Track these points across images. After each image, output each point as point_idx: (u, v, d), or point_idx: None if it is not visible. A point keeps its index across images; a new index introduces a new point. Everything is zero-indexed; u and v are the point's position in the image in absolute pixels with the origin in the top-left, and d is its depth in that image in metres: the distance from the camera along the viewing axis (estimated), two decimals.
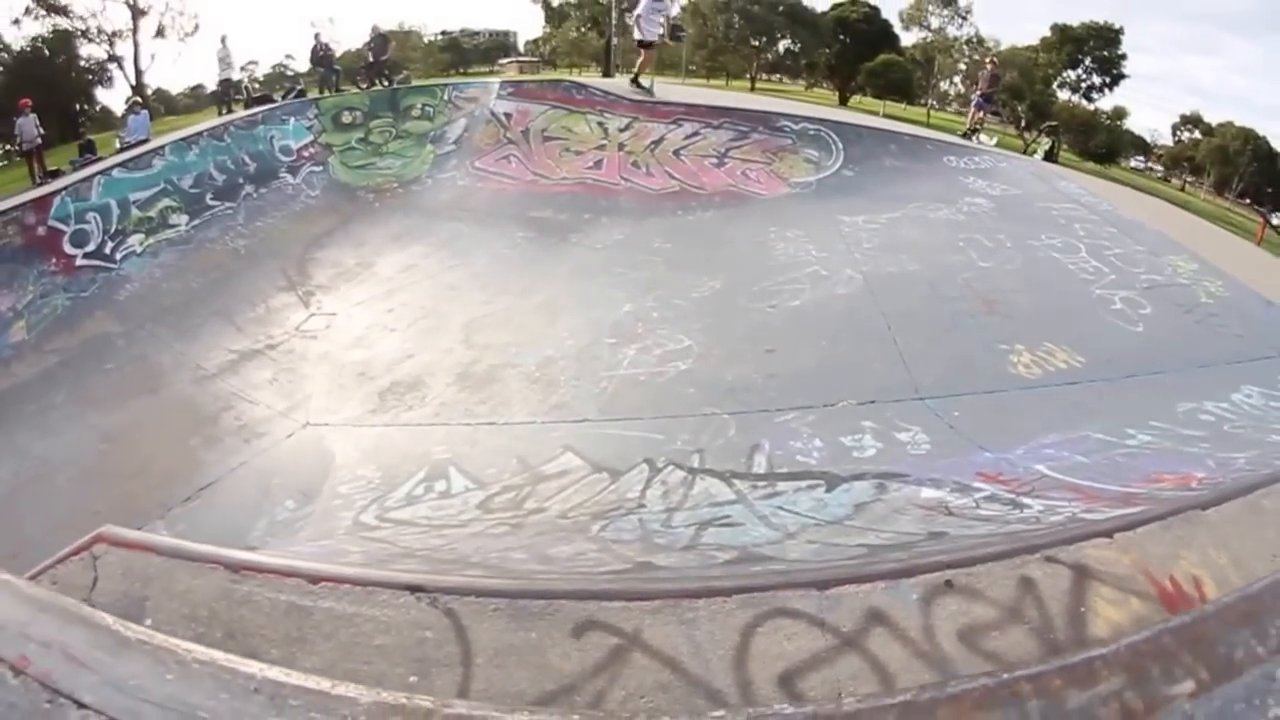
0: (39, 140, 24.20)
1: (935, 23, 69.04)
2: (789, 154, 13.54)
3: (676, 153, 14.02)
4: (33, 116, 24.59)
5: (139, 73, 59.38)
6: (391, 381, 8.99)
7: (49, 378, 11.39)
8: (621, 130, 14.92)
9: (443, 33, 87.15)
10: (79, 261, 14.05)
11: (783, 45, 76.67)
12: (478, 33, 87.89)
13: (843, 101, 72.26)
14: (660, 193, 13.33)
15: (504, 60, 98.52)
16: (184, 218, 15.86)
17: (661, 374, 7.43)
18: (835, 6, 75.37)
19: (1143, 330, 8.09)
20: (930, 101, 68.39)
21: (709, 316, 8.42)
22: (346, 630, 2.60)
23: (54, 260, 13.68)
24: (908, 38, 71.78)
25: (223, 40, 25.88)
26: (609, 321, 8.62)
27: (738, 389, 6.89)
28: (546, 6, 68.65)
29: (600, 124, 15.34)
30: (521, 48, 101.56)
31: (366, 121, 18.51)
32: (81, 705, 1.54)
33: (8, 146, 69.11)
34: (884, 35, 72.39)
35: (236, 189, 16.36)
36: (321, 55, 26.66)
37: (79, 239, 14.23)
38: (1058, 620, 2.38)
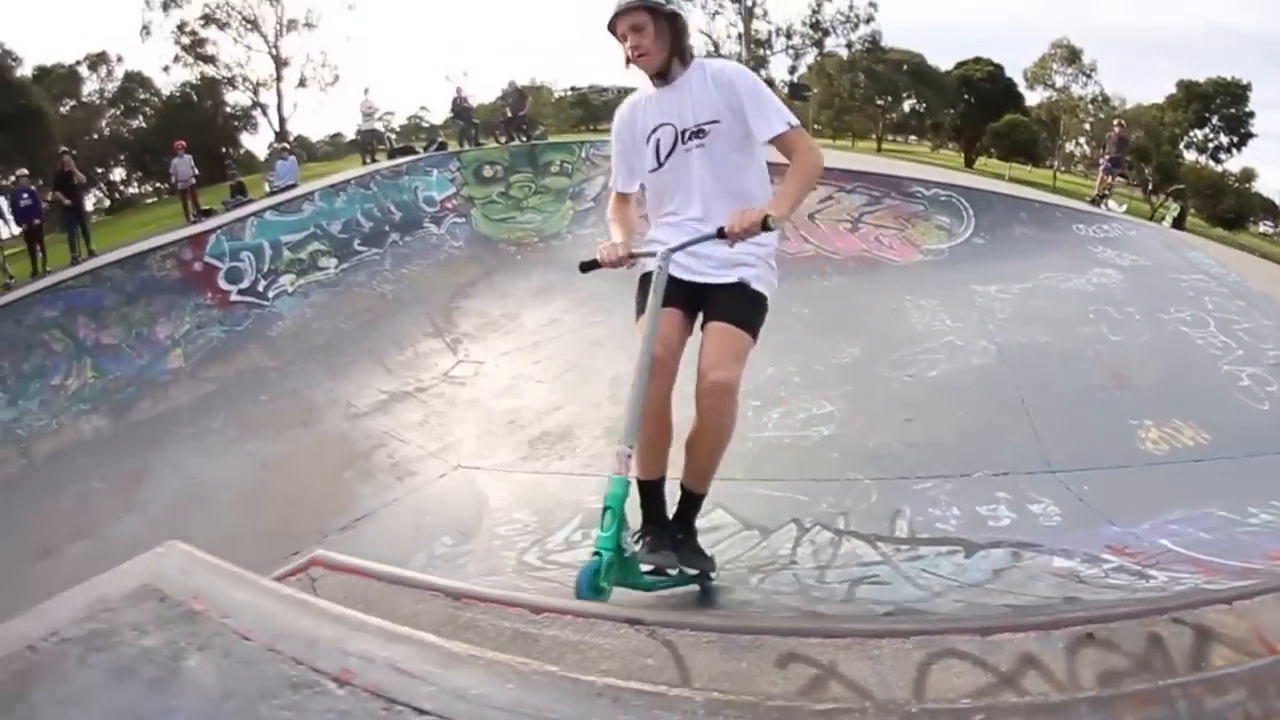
0: (193, 180, 25.37)
1: (1060, 81, 66.92)
2: (921, 220, 13.61)
3: (811, 216, 14.06)
4: (188, 158, 25.81)
5: (282, 120, 62.16)
6: (541, 431, 9.39)
7: (205, 404, 12.07)
8: None
9: (572, 88, 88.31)
10: (233, 297, 14.91)
11: (907, 105, 76.01)
12: (606, 89, 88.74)
13: (969, 164, 70.96)
14: (796, 256, 13.35)
15: None
16: (333, 261, 16.61)
17: (805, 438, 7.70)
18: (959, 65, 74.20)
19: (1269, 409, 8.17)
20: (1056, 164, 66.87)
21: (850, 383, 8.66)
22: (573, 655, 2.91)
23: (210, 294, 14.59)
24: (1032, 97, 70.53)
25: (365, 92, 26.97)
26: (753, 384, 8.79)
27: (879, 456, 7.13)
28: None
29: None
30: None
31: (507, 176, 19.13)
32: (422, 712, 1.64)
33: (158, 184, 72.50)
34: (1008, 94, 71.48)
35: (383, 236, 17.06)
36: (461, 108, 27.55)
37: (233, 276, 15.07)
38: (1182, 671, 2.72)
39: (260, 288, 15.22)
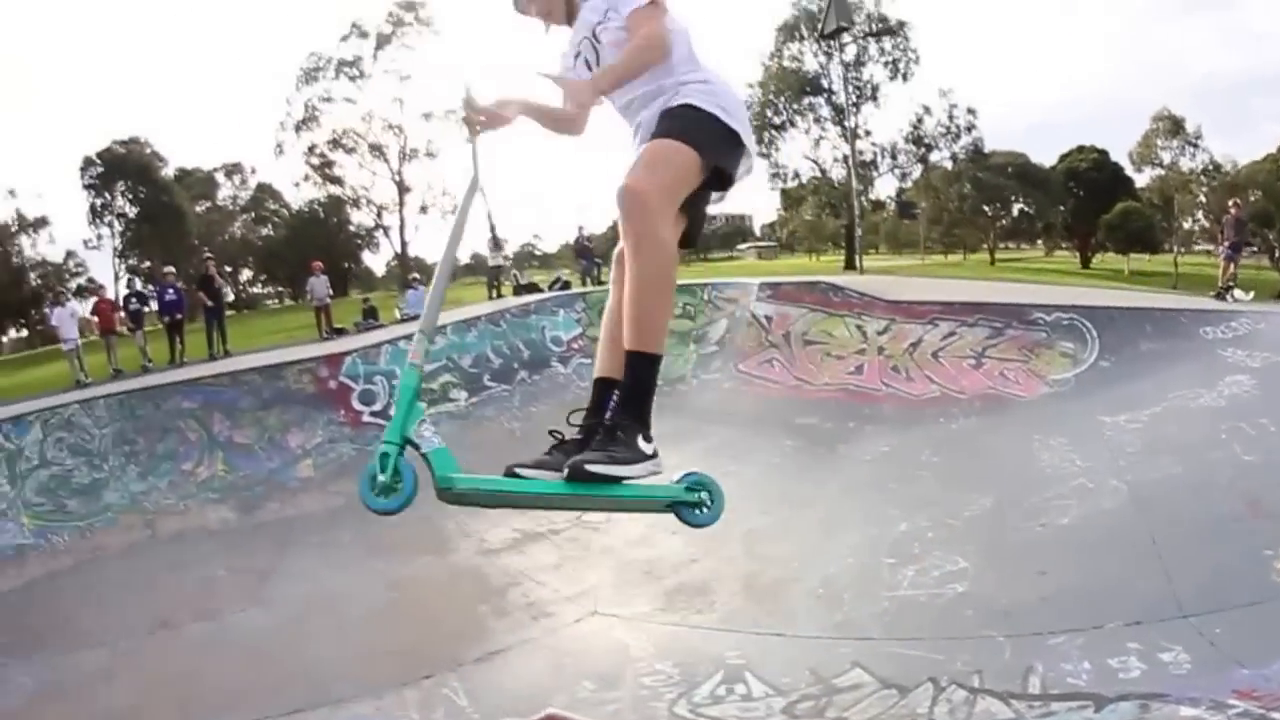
0: (328, 300, 26.44)
1: (1167, 157, 65.95)
2: (1044, 349, 13.35)
3: (935, 354, 14.03)
4: (324, 278, 27.32)
5: (404, 242, 66.00)
6: (678, 583, 9.55)
7: (334, 516, 12.43)
8: (880, 333, 15.00)
9: None
10: (365, 418, 15.79)
11: (1016, 209, 75.12)
12: (714, 217, 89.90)
13: (1085, 264, 70.14)
14: (921, 399, 13.42)
15: (742, 245, 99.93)
16: (463, 394, 17.21)
17: (940, 596, 7.75)
18: (1063, 157, 73.44)
19: None
20: (1176, 247, 65.21)
21: (982, 537, 8.69)
22: None
23: (342, 412, 15.47)
24: (1140, 178, 69.68)
25: (492, 229, 27.75)
26: (886, 540, 8.94)
27: (1012, 612, 7.17)
28: (783, 192, 69.21)
29: (859, 327, 15.48)
30: (758, 231, 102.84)
31: None
32: None
33: (281, 289, 75.61)
34: (1117, 180, 70.48)
35: (511, 373, 17.75)
36: (583, 247, 28.35)
37: (366, 398, 15.90)
38: None
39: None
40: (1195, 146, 64.20)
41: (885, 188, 71.71)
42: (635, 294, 3.87)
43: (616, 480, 3.88)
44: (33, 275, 73.17)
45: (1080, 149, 73.60)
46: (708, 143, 3.97)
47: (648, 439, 4.01)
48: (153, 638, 10.49)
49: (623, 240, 3.91)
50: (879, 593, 8.06)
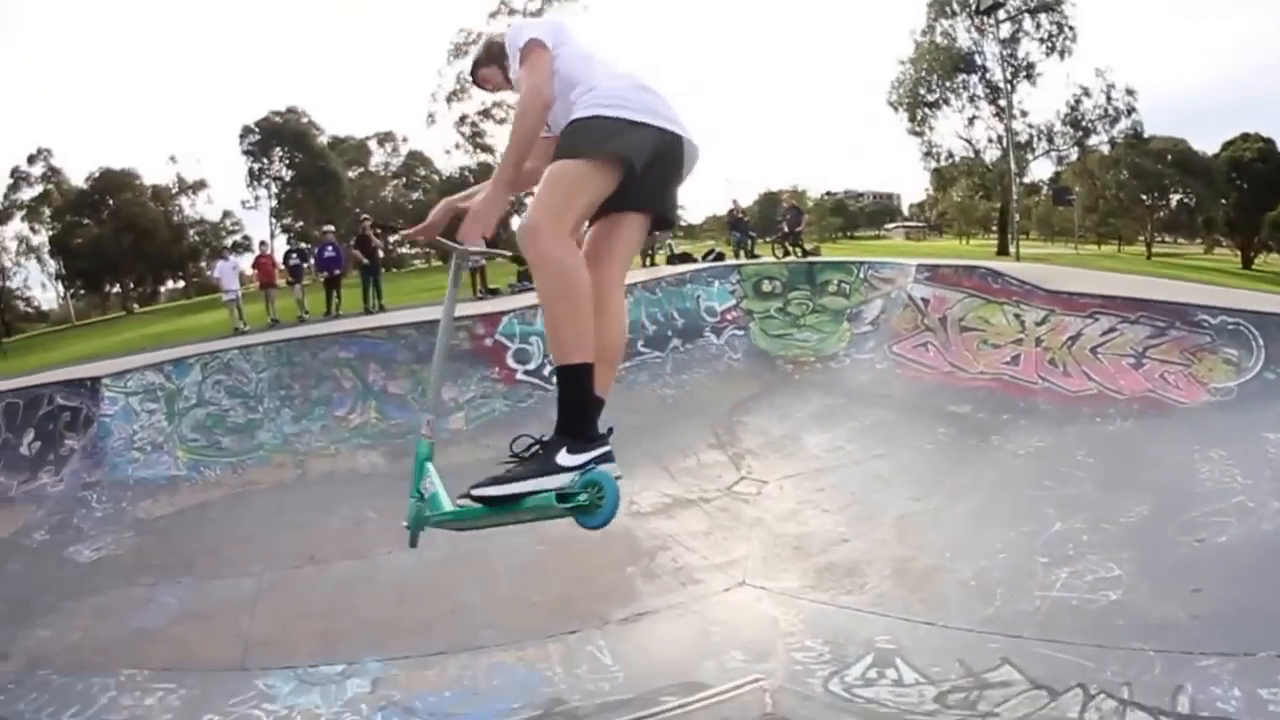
0: (482, 261, 27.13)
1: None
2: (1208, 354, 12.84)
3: (1094, 350, 13.73)
4: (480, 240, 27.40)
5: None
6: (828, 562, 9.64)
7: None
8: (1038, 324, 14.76)
9: (828, 193, 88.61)
10: (519, 375, 16.46)
11: (1175, 199, 72.55)
12: (862, 194, 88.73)
13: (1246, 264, 67.44)
14: (1078, 395, 13.18)
15: (890, 225, 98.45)
16: (622, 364, 17.51)
17: (1093, 602, 7.73)
18: (1226, 145, 70.33)
19: None
20: None
21: (1137, 546, 8.58)
22: None
23: (497, 369, 16.12)
24: None
25: None
26: (1041, 539, 8.94)
27: (1164, 627, 7.10)
28: (934, 171, 67.81)
29: (1017, 316, 15.26)
30: (906, 211, 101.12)
31: (785, 292, 19.45)
32: None
33: (428, 250, 77.35)
34: None
35: (665, 340, 18.04)
36: (737, 220, 28.46)
37: (521, 356, 16.46)
38: None
39: (545, 372, 16.38)
40: None
41: (1040, 171, 70.14)
42: (544, 312, 4.41)
43: (507, 499, 4.63)
44: (191, 233, 76.34)
45: (1245, 137, 70.22)
46: (589, 144, 4.35)
47: (575, 450, 4.49)
48: (298, 571, 11.05)
49: None
50: (1031, 591, 8.08)
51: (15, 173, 68.21)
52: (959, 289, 16.85)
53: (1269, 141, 69.75)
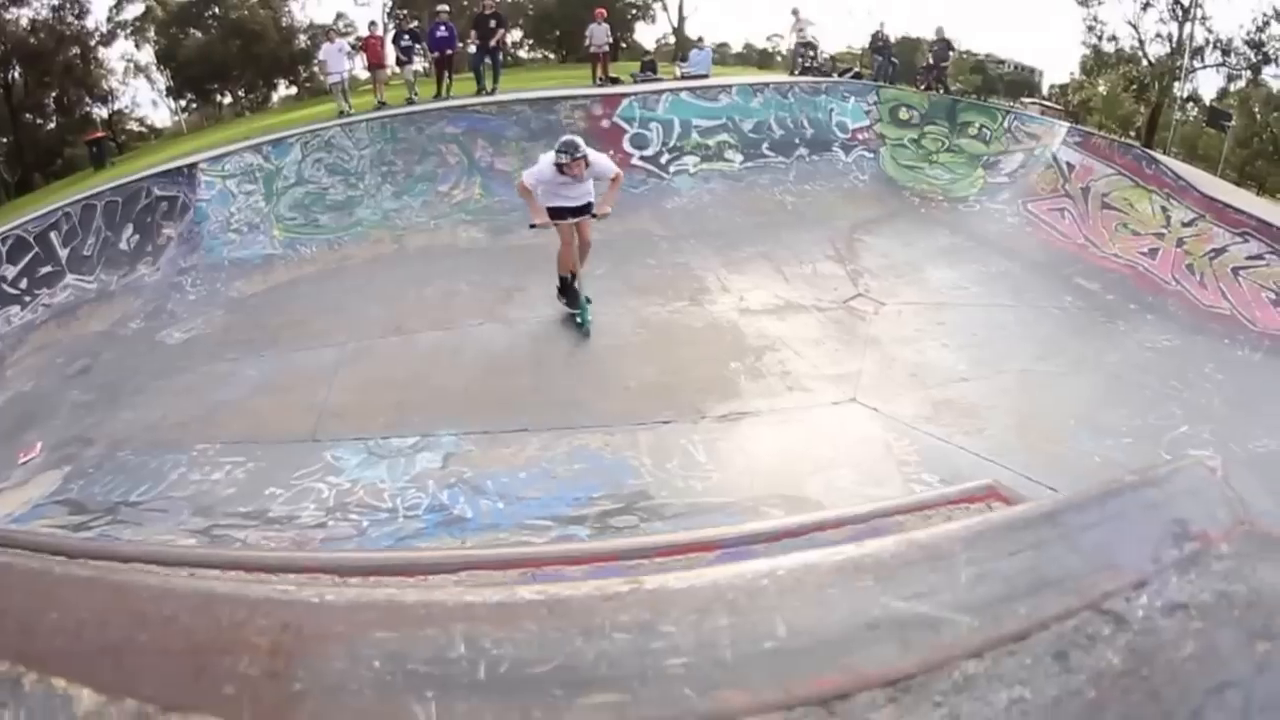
0: (606, 46, 26.51)
1: None
2: None
3: (1235, 271, 13.13)
4: (605, 25, 27.21)
5: (682, 18, 64.33)
6: (946, 397, 9.53)
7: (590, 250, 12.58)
8: (1185, 225, 14.21)
9: (968, 52, 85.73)
10: (635, 160, 16.22)
11: None
12: (1003, 61, 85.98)
13: None
14: (1210, 310, 12.69)
15: (1027, 99, 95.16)
16: (739, 156, 17.33)
17: None
18: None
19: None
20: None
21: (1265, 478, 8.11)
22: None
23: (613, 151, 15.26)
24: None
25: (795, 13, 27.32)
26: (1167, 436, 8.81)
27: None
28: (1094, 50, 64.28)
29: (1164, 209, 14.72)
30: (1045, 91, 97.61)
31: (922, 124, 19.09)
32: None
33: (548, 54, 76.93)
34: None
35: (791, 147, 17.83)
36: (881, 44, 27.66)
37: (638, 141, 16.20)
38: None
39: (663, 160, 16.39)
40: None
41: (1206, 87, 66.64)
42: (586, 258, 10.44)
43: None
44: (302, 36, 74.73)
45: None
46: None
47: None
48: (383, 341, 11.18)
49: (582, 245, 10.90)
50: None
51: None
52: (1110, 163, 16.22)
53: None
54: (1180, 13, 53.03)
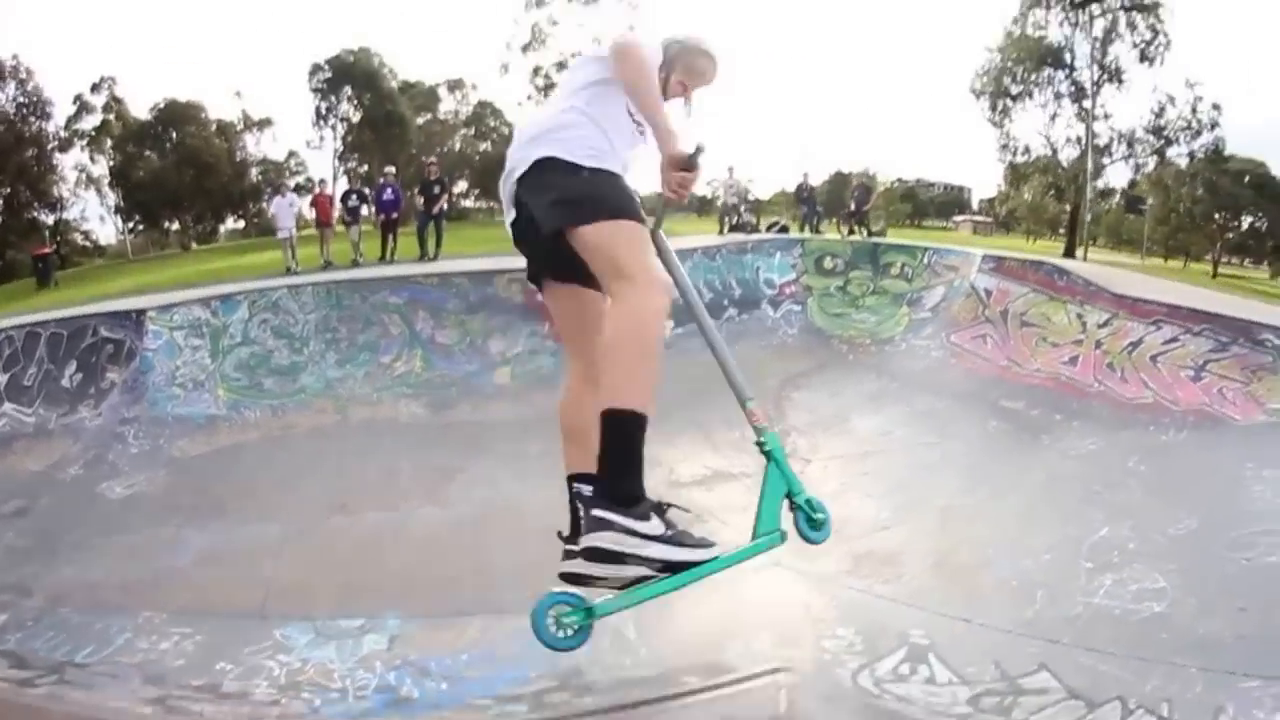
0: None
1: None
2: (1268, 374, 12.58)
3: (1154, 359, 13.54)
4: None
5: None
6: (867, 548, 9.47)
7: (525, 427, 12.49)
8: (1100, 326, 14.62)
9: (899, 180, 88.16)
10: None
11: (1247, 221, 72.43)
12: (933, 184, 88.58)
13: None
14: (1133, 402, 12.99)
15: (959, 217, 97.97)
16: (670, 323, 17.44)
17: (1136, 612, 7.56)
18: None
19: None
20: None
21: (1184, 558, 8.38)
22: None
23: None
24: None
25: (729, 171, 28.13)
26: (1086, 543, 8.75)
27: (1207, 644, 6.96)
28: (1010, 166, 67.52)
29: (1080, 316, 15.13)
30: (975, 205, 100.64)
31: (847, 270, 19.34)
32: None
33: (493, 204, 78.22)
34: None
35: (720, 309, 17.94)
36: (806, 195, 28.33)
37: None
38: None
39: None
40: None
41: (1115, 177, 69.45)
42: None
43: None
44: (254, 171, 76.93)
45: None
46: None
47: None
48: (328, 519, 11.10)
49: None
50: (1073, 597, 7.95)
51: (78, 100, 68.72)
52: (1024, 283, 16.70)
53: None
54: (1086, 116, 54.83)
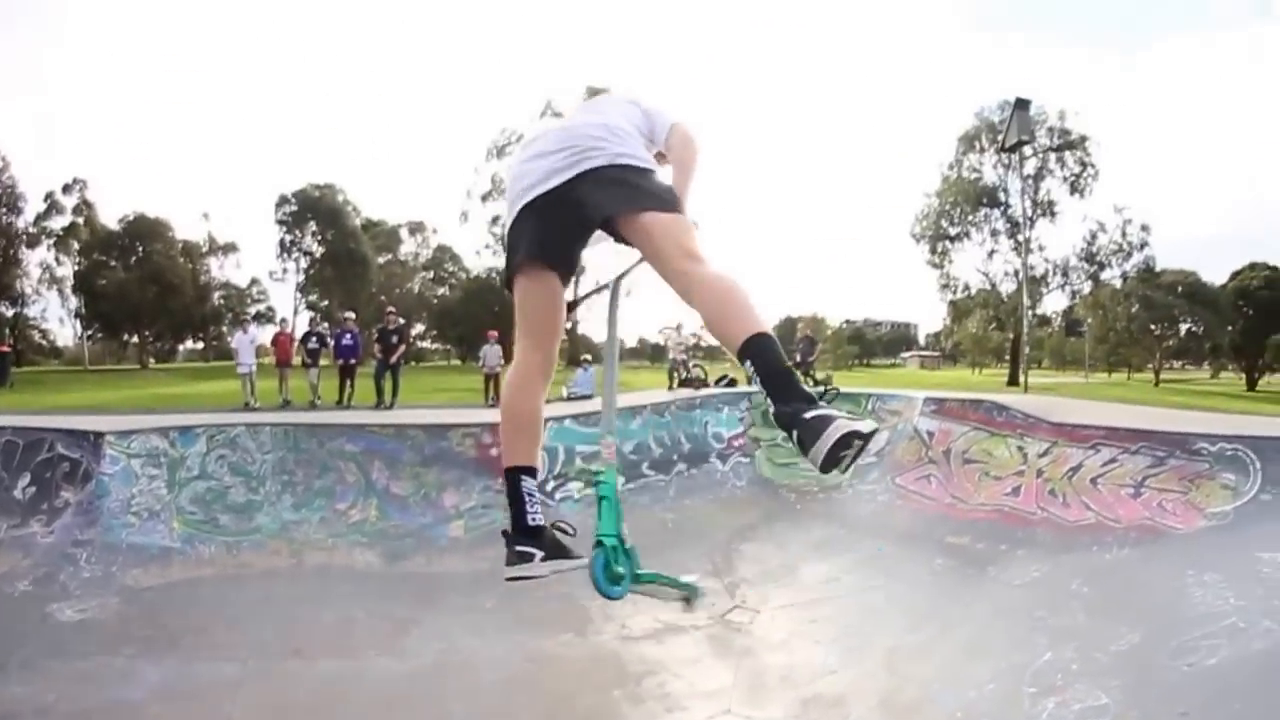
0: (498, 369, 28.54)
1: None
2: (1206, 480, 12.96)
3: (1094, 481, 13.85)
4: (497, 348, 29.31)
5: (574, 321, 68.22)
6: (814, 693, 9.53)
7: (478, 581, 12.73)
8: (1040, 456, 14.94)
9: (847, 321, 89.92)
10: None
11: (1184, 328, 75.29)
12: (880, 323, 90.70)
13: (1250, 385, 71.64)
14: (1076, 525, 13.25)
15: (906, 353, 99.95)
16: (620, 479, 17.52)
17: None
18: (1234, 275, 75.11)
19: None
20: None
21: (1127, 673, 8.42)
22: None
23: (500, 480, 15.45)
24: None
25: (678, 328, 28.70)
26: (1030, 670, 8.76)
27: None
28: (951, 303, 69.92)
29: (1020, 448, 15.48)
30: (922, 340, 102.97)
31: None
32: None
33: (448, 346, 78.51)
34: None
35: (670, 464, 18.26)
36: None
37: None
38: None
39: (549, 488, 16.60)
40: None
41: (1054, 303, 72.23)
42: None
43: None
44: (216, 295, 77.58)
45: (1251, 266, 75.43)
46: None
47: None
48: (283, 663, 10.90)
49: None
50: None
51: (49, 198, 69.13)
52: (964, 422, 17.12)
53: (1275, 269, 74.95)
54: (1022, 250, 56.60)
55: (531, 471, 5.00)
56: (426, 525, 15.46)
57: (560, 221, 4.68)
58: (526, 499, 4.97)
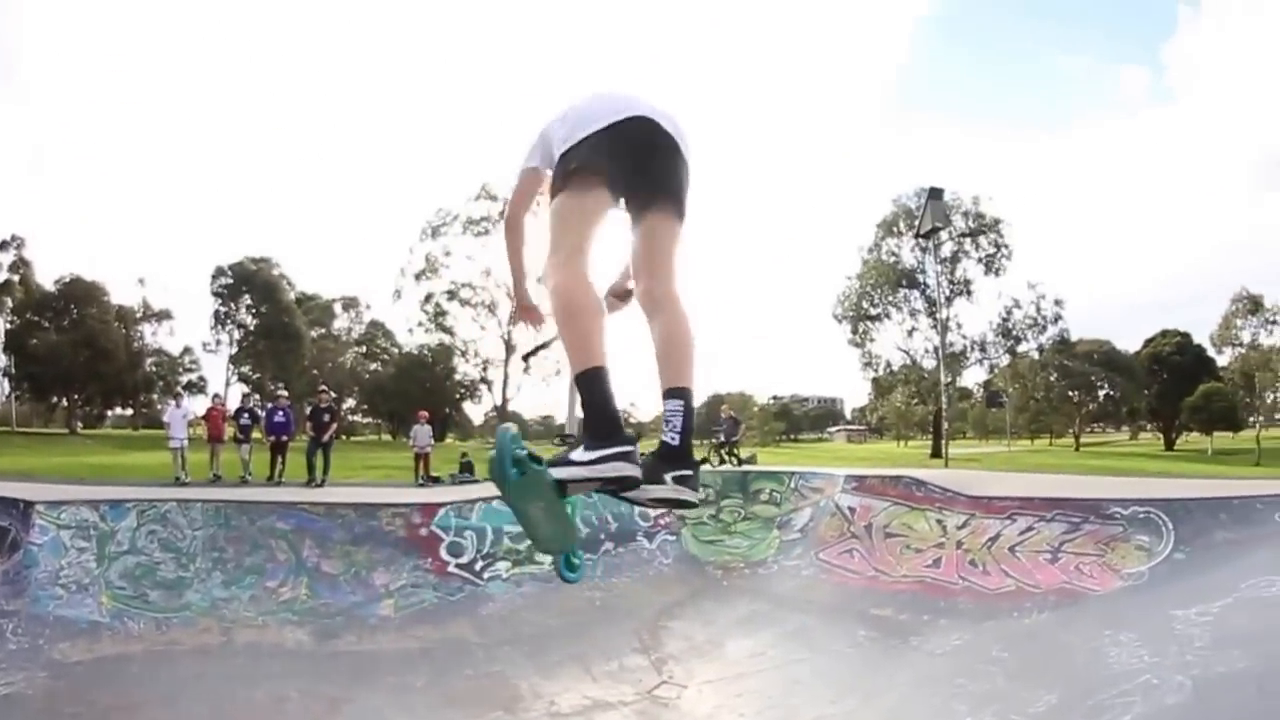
0: (428, 449, 27.98)
1: (1247, 336, 69.15)
2: (1120, 543, 13.34)
3: (1012, 549, 14.17)
4: (427, 428, 29.02)
5: (505, 398, 69.00)
6: None
7: (409, 659, 12.93)
8: (959, 527, 15.29)
9: (774, 398, 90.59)
10: (451, 568, 16.50)
11: (1101, 394, 77.22)
12: (807, 399, 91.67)
13: (1169, 445, 73.16)
14: (997, 593, 13.52)
15: (833, 428, 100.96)
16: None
17: None
18: (1148, 342, 78.61)
19: None
20: (1258, 420, 69.72)
21: None
22: None
23: (430, 560, 16.15)
24: (1223, 358, 72.99)
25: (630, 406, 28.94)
26: None
27: None
28: (874, 380, 71.47)
29: (939, 521, 15.83)
30: (849, 414, 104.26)
31: (718, 500, 19.91)
32: None
33: (379, 421, 77.80)
34: (1199, 362, 74.44)
35: (598, 543, 18.14)
36: None
37: (454, 549, 16.78)
38: None
39: (477, 567, 16.70)
40: (1276, 324, 66.46)
41: (974, 376, 73.97)
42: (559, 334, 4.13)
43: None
44: (149, 362, 76.35)
45: (1164, 333, 78.45)
46: (556, 176, 4.39)
47: (591, 447, 4.01)
48: None
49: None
50: None
51: None
52: (884, 498, 17.40)
53: (1185, 335, 78.26)
54: (940, 328, 57.77)
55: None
56: (357, 604, 15.29)
57: (638, 155, 4.30)
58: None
